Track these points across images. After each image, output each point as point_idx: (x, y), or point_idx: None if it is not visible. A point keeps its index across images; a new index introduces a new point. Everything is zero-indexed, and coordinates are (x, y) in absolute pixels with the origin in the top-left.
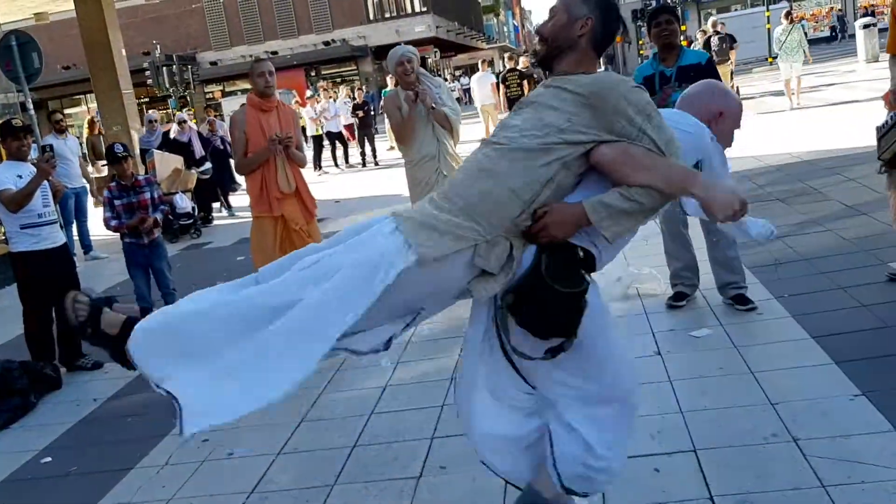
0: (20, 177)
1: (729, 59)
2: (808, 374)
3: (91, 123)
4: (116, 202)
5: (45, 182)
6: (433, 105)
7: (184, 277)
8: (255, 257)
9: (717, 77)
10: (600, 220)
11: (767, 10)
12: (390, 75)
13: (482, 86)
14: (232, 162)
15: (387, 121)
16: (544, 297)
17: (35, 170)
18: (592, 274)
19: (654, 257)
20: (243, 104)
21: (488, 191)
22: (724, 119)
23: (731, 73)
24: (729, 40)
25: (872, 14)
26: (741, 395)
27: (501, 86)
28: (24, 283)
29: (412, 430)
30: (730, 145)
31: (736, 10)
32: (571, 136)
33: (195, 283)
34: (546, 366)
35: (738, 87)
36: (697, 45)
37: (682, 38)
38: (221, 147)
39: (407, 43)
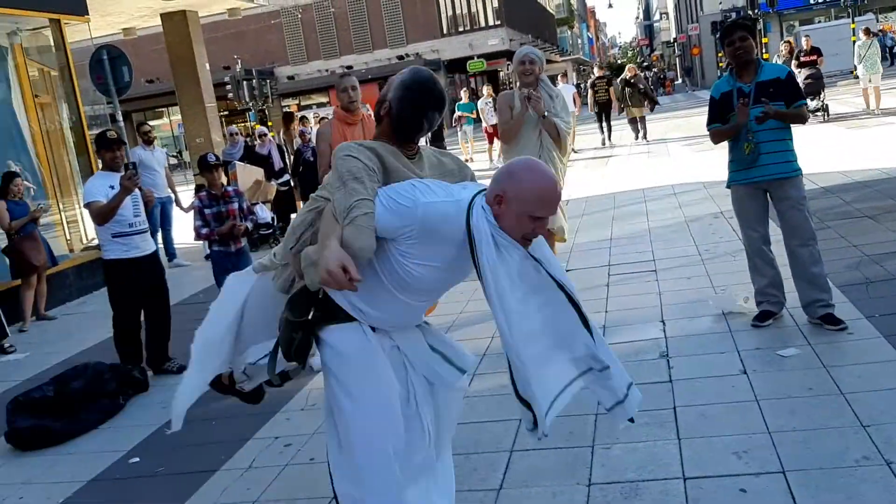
0: (112, 187)
1: None
2: None
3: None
4: (206, 211)
5: (137, 191)
6: (544, 113)
7: None
8: None
9: (798, 92)
10: (304, 269)
11: (853, 21)
12: (464, 88)
13: (566, 96)
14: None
15: (459, 133)
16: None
17: None
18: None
19: (740, 274)
20: (322, 118)
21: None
22: (506, 202)
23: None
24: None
25: None
26: (831, 417)
27: (590, 91)
28: (114, 289)
29: (491, 442)
30: (517, 238)
31: (819, 21)
32: (323, 192)
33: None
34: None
35: (826, 105)
36: (779, 59)
37: (762, 51)
38: (312, 159)
39: (480, 56)
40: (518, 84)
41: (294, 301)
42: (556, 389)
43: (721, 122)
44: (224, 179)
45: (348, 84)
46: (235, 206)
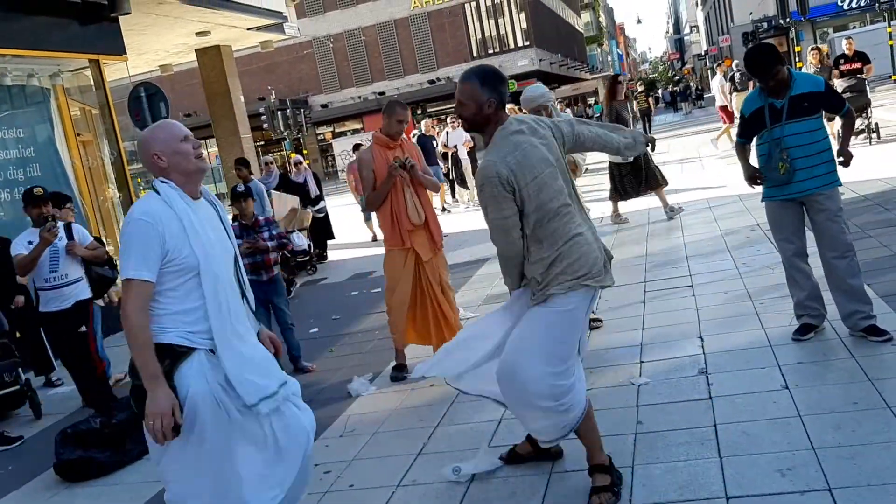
0: (31, 242)
1: (748, 89)
2: None
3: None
4: (237, 242)
5: (60, 248)
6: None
7: (301, 311)
8: (388, 285)
9: (839, 100)
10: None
11: (889, 25)
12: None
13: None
14: None
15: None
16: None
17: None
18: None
19: (779, 287)
20: (356, 144)
21: None
22: (161, 157)
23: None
24: (861, 58)
25: None
26: (878, 431)
27: (634, 102)
28: (49, 340)
29: (530, 465)
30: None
31: (854, 27)
32: None
33: (311, 317)
34: None
35: (876, 124)
36: (810, 68)
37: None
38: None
39: (511, 77)
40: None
41: (132, 395)
42: None
43: (748, 139)
44: (252, 209)
45: (404, 117)
46: (266, 234)
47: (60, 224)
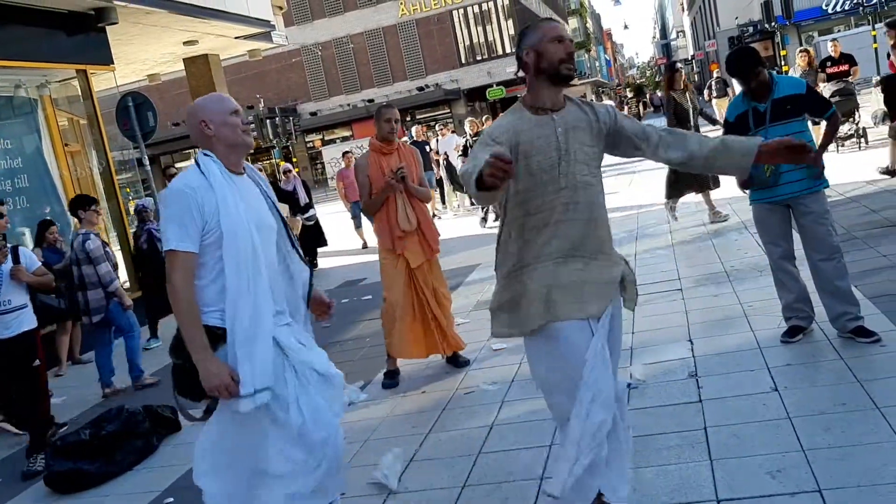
0: None
1: (728, 95)
2: None
3: None
4: None
5: (4, 272)
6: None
7: None
8: (385, 293)
9: (823, 101)
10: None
11: (873, 28)
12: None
13: None
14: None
15: None
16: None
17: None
18: None
19: (767, 289)
20: (345, 151)
21: None
22: (208, 126)
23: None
24: (847, 60)
25: None
26: (867, 432)
27: (625, 107)
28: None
29: (521, 471)
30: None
31: (839, 31)
32: None
33: None
34: None
35: (864, 129)
36: (797, 72)
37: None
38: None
39: (499, 84)
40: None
41: (174, 346)
42: None
43: None
44: None
45: (393, 116)
46: None
47: (9, 246)
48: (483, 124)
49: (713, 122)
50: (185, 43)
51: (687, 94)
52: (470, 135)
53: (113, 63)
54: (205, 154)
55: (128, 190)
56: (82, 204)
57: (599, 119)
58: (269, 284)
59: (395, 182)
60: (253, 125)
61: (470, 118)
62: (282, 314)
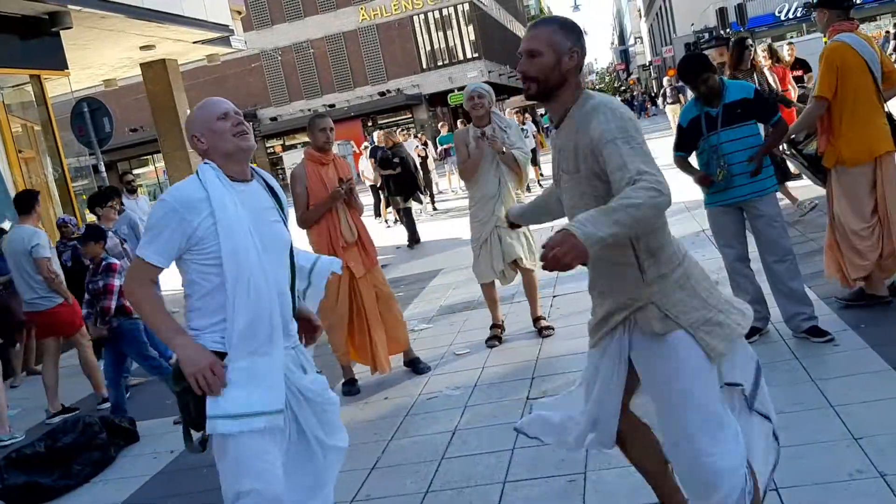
0: None
1: (680, 102)
2: (891, 407)
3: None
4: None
5: None
6: (503, 150)
7: None
8: (324, 305)
9: (772, 111)
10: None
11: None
12: (442, 122)
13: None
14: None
15: (446, 165)
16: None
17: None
18: None
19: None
20: (303, 159)
21: None
22: (200, 139)
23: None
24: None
25: None
26: (822, 431)
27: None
28: None
29: (484, 475)
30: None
31: (791, 37)
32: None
33: None
34: None
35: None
36: (765, 69)
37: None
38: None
39: (460, 89)
40: (472, 121)
41: (172, 374)
42: None
43: (686, 151)
44: None
45: (327, 125)
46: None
47: None
48: (408, 137)
49: (787, 104)
50: (141, 48)
51: (755, 75)
52: (385, 147)
53: (68, 68)
54: (205, 162)
55: (83, 197)
56: (100, 200)
57: None
58: (280, 309)
59: (342, 192)
60: (245, 128)
61: (381, 131)
62: (290, 336)
